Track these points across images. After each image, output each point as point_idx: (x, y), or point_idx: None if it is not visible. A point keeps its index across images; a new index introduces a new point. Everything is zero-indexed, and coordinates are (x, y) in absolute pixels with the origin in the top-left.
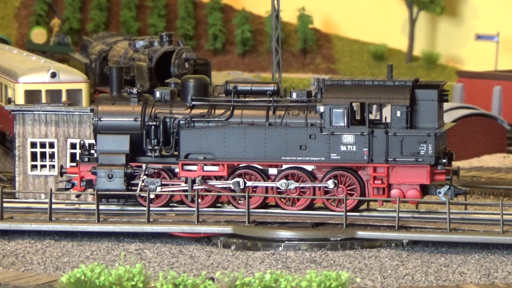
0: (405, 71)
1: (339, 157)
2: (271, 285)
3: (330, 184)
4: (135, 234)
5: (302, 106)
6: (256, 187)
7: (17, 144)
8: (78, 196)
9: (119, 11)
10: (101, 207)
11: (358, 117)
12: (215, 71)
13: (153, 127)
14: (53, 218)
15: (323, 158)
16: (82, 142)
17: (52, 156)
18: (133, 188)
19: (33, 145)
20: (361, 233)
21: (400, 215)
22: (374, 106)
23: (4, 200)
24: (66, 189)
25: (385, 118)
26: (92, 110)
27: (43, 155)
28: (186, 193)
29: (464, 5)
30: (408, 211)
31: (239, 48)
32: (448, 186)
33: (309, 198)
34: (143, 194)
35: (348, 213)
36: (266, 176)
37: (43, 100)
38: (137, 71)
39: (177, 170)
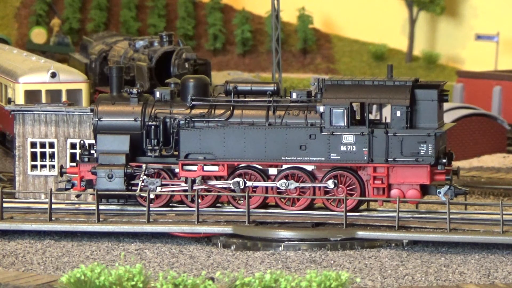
0: (405, 71)
1: (339, 157)
2: (271, 285)
3: (330, 184)
4: (135, 234)
5: (302, 106)
6: (256, 187)
7: (17, 144)
8: (78, 196)
9: (119, 11)
10: (101, 207)
11: (358, 117)
12: (215, 71)
13: (153, 127)
14: (53, 218)
15: (323, 158)
16: (82, 142)
17: (52, 156)
18: (133, 188)
19: (33, 145)
20: (361, 233)
21: (400, 215)
22: (374, 106)
23: (4, 200)
24: (66, 189)
25: (385, 118)
26: (92, 110)
27: (43, 155)
28: (186, 193)
29: (464, 5)
30: (408, 211)
31: (239, 48)
32: (448, 186)
33: (309, 198)
34: (143, 194)
35: (348, 213)
36: (266, 176)
37: (43, 100)
38: (137, 71)
39: (177, 170)
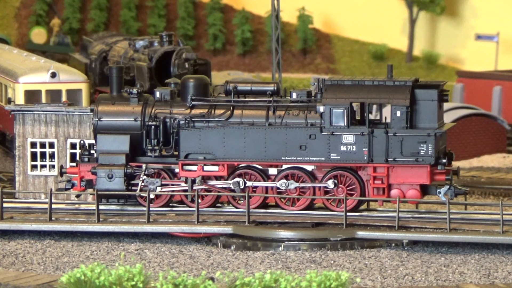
0: (405, 71)
1: (339, 157)
2: (271, 285)
3: (330, 184)
4: (135, 234)
5: (302, 106)
6: (256, 187)
7: (17, 144)
8: (78, 196)
9: (119, 11)
10: (101, 207)
11: (358, 117)
12: (215, 71)
13: (153, 127)
14: (53, 218)
15: (323, 158)
16: (82, 142)
17: (52, 156)
18: (133, 188)
19: (33, 145)
20: (361, 233)
21: (400, 215)
22: (374, 106)
23: (4, 200)
24: (66, 189)
25: (385, 118)
26: (92, 110)
27: (43, 155)
28: (186, 193)
29: (464, 5)
30: (408, 211)
31: (239, 48)
32: (448, 186)
33: (309, 198)
34: (143, 194)
35: (348, 213)
36: (266, 176)
37: (43, 100)
38: (137, 71)
39: (177, 170)
